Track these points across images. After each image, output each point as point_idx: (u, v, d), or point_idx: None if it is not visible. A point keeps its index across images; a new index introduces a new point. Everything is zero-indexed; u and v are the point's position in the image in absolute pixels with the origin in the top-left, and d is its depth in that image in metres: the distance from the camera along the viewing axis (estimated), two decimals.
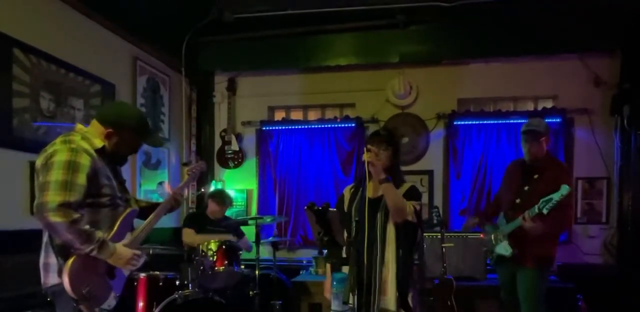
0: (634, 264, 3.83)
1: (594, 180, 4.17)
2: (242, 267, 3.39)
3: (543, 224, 2.70)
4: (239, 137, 4.76)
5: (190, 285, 3.14)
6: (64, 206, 1.74)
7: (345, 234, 2.39)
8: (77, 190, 1.80)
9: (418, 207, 2.29)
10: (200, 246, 3.27)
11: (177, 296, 2.97)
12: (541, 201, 2.63)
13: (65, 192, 1.76)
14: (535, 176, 2.88)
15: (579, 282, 3.61)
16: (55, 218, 1.72)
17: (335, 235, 2.45)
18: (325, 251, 2.71)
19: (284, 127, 4.70)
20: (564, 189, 2.57)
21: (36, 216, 1.75)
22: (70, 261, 1.80)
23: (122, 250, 1.93)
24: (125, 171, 3.69)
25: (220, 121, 4.83)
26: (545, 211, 2.60)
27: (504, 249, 2.91)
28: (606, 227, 4.15)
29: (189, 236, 3.65)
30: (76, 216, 1.77)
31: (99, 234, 1.84)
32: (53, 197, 1.73)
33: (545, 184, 2.80)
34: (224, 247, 3.28)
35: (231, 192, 4.64)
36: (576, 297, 3.50)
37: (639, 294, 3.67)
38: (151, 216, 2.14)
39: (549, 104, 4.40)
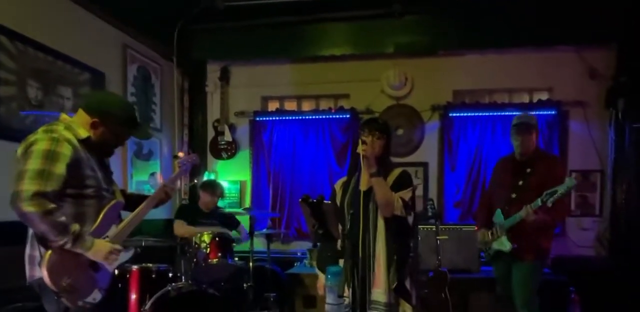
0: (626, 257, 3.87)
1: (588, 173, 4.17)
2: (236, 259, 3.37)
3: (545, 215, 2.70)
4: (232, 128, 4.70)
5: (183, 277, 3.10)
6: (39, 196, 1.70)
7: (340, 227, 2.37)
8: (55, 180, 1.75)
9: (407, 198, 2.26)
10: (194, 238, 3.24)
11: (170, 288, 2.93)
12: (545, 193, 2.61)
13: (41, 181, 1.71)
14: (528, 170, 2.86)
15: (572, 274, 3.64)
16: (28, 208, 1.68)
17: (330, 228, 2.43)
18: (319, 245, 2.68)
19: (277, 118, 4.64)
20: (570, 182, 2.57)
21: (10, 205, 1.71)
22: (49, 252, 1.77)
23: (100, 244, 1.89)
24: (116, 161, 3.66)
25: (213, 111, 4.76)
26: (549, 204, 2.59)
27: (502, 244, 2.88)
28: (599, 219, 4.17)
29: (180, 227, 3.63)
30: (51, 206, 1.72)
31: (75, 226, 1.79)
32: (28, 186, 1.69)
33: (539, 177, 2.82)
34: (217, 239, 3.25)
35: (224, 184, 4.60)
36: (569, 290, 3.52)
37: (630, 286, 3.71)
38: (139, 208, 2.09)
39: (544, 96, 4.38)
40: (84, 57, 3.32)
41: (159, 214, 4.04)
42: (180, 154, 2.49)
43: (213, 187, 3.81)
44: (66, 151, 1.80)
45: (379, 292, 2.23)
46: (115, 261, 1.97)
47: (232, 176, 4.75)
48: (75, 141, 1.86)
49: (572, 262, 3.97)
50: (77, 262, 1.84)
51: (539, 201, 2.64)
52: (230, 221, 3.87)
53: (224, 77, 4.71)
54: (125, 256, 2.03)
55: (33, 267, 1.84)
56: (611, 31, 3.99)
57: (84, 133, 1.91)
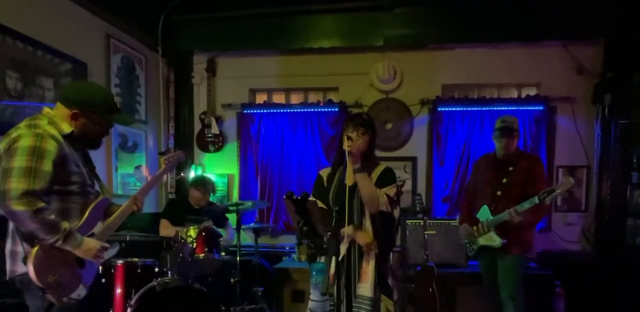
0: (611, 251, 3.92)
1: (575, 168, 4.20)
2: (223, 254, 3.33)
3: (531, 214, 2.82)
4: (219, 120, 4.62)
5: (169, 272, 3.07)
6: (28, 194, 1.67)
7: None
8: (42, 177, 1.72)
9: (392, 193, 2.27)
10: (180, 233, 3.19)
11: (156, 283, 2.90)
12: (542, 192, 2.73)
13: (29, 179, 1.68)
14: (510, 168, 3.00)
15: (558, 268, 3.69)
16: (18, 206, 1.65)
17: (314, 225, 2.41)
18: (305, 242, 2.66)
19: (265, 111, 4.58)
20: (569, 182, 2.73)
21: None
22: (35, 248, 1.74)
23: (90, 242, 1.88)
24: (101, 154, 3.58)
25: (200, 103, 4.68)
26: (547, 201, 2.73)
27: (491, 240, 2.95)
28: (585, 214, 4.21)
29: (165, 229, 3.56)
30: (41, 204, 1.69)
31: (65, 224, 1.77)
32: (16, 185, 1.66)
33: (521, 174, 2.97)
34: (204, 234, 3.20)
35: (212, 177, 4.53)
36: (554, 284, 3.57)
37: (615, 280, 3.77)
38: (112, 217, 2.04)
39: (532, 92, 4.39)
40: (65, 47, 3.22)
41: (145, 208, 3.92)
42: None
43: (203, 185, 3.71)
44: (51, 148, 1.76)
45: (364, 287, 2.24)
46: (102, 259, 1.96)
47: (219, 169, 4.69)
48: (59, 137, 1.82)
49: (557, 257, 4.01)
50: (64, 258, 1.83)
51: (535, 199, 2.75)
52: (218, 219, 3.80)
53: (211, 68, 4.63)
54: (110, 252, 2.02)
55: (15, 263, 1.82)
56: (599, 27, 3.99)
57: (67, 128, 1.87)
